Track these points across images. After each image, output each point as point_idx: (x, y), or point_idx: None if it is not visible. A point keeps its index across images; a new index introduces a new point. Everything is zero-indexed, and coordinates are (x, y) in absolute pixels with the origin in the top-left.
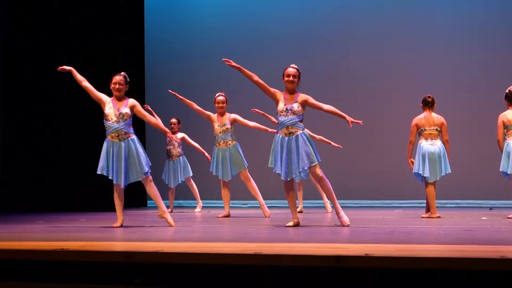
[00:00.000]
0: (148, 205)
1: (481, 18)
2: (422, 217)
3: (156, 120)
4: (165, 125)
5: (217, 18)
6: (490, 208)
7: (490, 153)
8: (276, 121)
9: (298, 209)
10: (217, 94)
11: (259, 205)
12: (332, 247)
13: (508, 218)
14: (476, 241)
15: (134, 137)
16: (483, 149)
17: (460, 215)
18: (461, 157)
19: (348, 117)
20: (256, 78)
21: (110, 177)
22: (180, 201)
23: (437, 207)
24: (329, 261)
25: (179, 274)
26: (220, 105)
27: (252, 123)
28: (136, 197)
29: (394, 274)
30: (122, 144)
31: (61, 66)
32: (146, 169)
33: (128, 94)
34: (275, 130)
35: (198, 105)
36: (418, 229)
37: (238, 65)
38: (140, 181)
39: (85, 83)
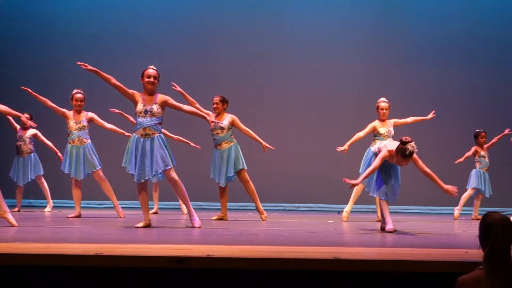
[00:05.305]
0: None
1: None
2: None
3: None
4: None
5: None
6: (338, 212)
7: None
8: (135, 121)
9: (153, 210)
10: (75, 91)
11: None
12: (175, 248)
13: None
14: (317, 243)
15: None
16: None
17: (308, 218)
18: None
19: (208, 118)
20: (113, 81)
21: None
22: (31, 200)
23: (290, 210)
24: (170, 262)
25: (18, 276)
26: (79, 103)
27: (109, 125)
28: None
29: (239, 274)
30: None
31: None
32: None
33: None
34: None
35: (52, 102)
36: (265, 231)
37: (94, 68)
38: None
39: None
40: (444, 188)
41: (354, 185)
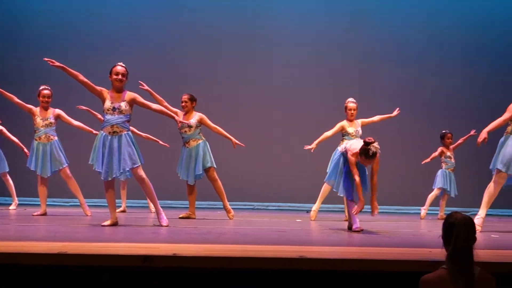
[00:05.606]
0: None
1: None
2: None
3: None
4: None
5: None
6: (307, 211)
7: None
8: (103, 119)
9: (121, 208)
10: (42, 87)
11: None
12: (141, 246)
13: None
14: (284, 242)
15: None
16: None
17: (276, 217)
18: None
19: (176, 117)
20: (81, 77)
21: None
22: None
23: (259, 209)
24: (136, 261)
25: None
26: (46, 99)
27: (76, 122)
28: None
29: (205, 273)
30: None
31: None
32: None
33: None
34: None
35: (19, 98)
36: (232, 230)
37: (61, 65)
38: None
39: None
40: (373, 202)
41: (360, 209)
